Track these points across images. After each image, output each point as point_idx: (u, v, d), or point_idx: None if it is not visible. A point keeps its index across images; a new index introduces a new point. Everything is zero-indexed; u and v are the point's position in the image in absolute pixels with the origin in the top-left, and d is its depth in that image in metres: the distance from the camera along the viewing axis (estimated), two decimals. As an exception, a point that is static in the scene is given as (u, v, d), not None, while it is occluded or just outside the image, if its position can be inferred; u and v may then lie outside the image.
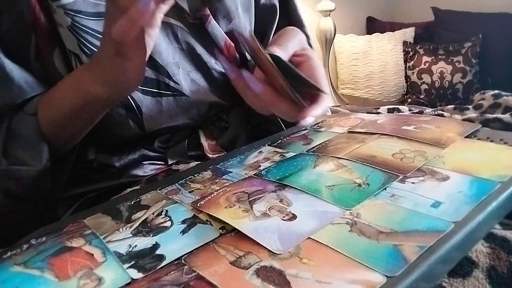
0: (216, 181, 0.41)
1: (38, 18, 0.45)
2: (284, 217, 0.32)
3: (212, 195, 0.37)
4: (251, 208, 0.34)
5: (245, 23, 0.58)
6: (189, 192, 0.39)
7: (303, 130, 0.53)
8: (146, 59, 0.40)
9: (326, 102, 0.41)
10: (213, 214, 0.34)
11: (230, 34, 0.55)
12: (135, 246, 0.32)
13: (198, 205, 0.36)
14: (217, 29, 0.53)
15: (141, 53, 0.39)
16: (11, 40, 0.45)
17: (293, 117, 0.39)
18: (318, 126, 0.53)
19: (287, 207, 0.33)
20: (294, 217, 0.32)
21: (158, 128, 0.53)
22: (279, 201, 0.34)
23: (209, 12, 0.52)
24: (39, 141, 0.45)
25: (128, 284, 0.28)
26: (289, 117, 0.39)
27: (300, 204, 0.34)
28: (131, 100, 0.49)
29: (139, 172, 0.53)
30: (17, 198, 0.45)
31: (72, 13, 0.45)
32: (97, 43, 0.46)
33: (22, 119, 0.45)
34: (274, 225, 0.31)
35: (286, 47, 0.44)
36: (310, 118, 0.39)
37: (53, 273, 0.29)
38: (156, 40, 0.49)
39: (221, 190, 0.38)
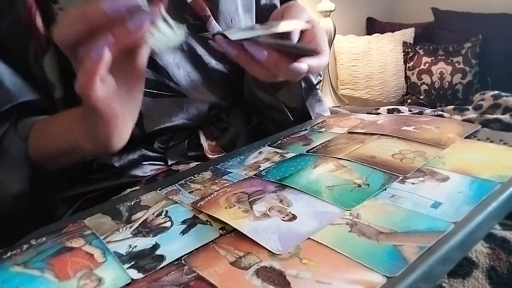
0: (216, 181, 0.41)
1: (34, 19, 0.45)
2: (284, 217, 0.32)
3: (212, 196, 0.37)
4: (251, 208, 0.34)
5: (247, 23, 0.58)
6: (189, 192, 0.39)
7: (303, 130, 0.53)
8: (114, 121, 0.36)
9: (325, 58, 0.43)
10: (213, 215, 0.34)
11: None
12: (135, 246, 0.32)
13: (198, 205, 0.36)
14: (217, 29, 0.53)
15: (105, 110, 0.34)
16: (11, 41, 0.45)
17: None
18: (318, 126, 0.53)
19: (287, 207, 0.33)
20: (294, 217, 0.32)
21: (158, 128, 0.53)
22: (279, 202, 0.34)
23: (209, 13, 0.52)
24: (22, 165, 0.44)
25: (128, 284, 0.28)
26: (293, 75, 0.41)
27: (300, 205, 0.34)
28: None
29: (139, 172, 0.53)
30: None
31: None
32: None
33: (13, 139, 0.45)
34: (274, 225, 0.31)
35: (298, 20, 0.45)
36: (303, 64, 0.40)
37: (53, 273, 0.29)
38: None
39: (221, 191, 0.38)
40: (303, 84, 0.60)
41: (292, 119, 0.59)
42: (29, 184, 0.45)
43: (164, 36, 0.35)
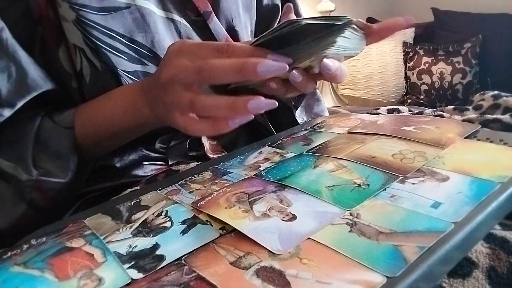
0: (216, 181, 0.41)
1: (46, 12, 0.45)
2: (284, 217, 0.32)
3: (212, 196, 0.37)
4: (251, 208, 0.34)
5: (246, 23, 0.58)
6: (189, 192, 0.39)
7: (303, 130, 0.53)
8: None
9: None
10: (213, 215, 0.34)
11: (231, 31, 0.55)
12: (135, 246, 0.32)
13: (198, 205, 0.36)
14: (218, 26, 0.53)
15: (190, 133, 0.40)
16: (16, 33, 0.45)
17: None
18: (318, 126, 0.53)
19: (287, 207, 0.33)
20: (294, 217, 0.32)
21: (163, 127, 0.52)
22: (279, 202, 0.34)
23: (211, 9, 0.52)
24: (70, 154, 0.45)
25: (128, 284, 0.28)
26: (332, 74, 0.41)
27: (300, 205, 0.34)
28: None
29: (139, 172, 0.53)
30: (40, 209, 0.45)
31: (77, 7, 0.44)
32: (102, 37, 0.46)
33: (54, 130, 0.45)
34: (274, 225, 0.31)
35: None
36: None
37: (53, 273, 0.29)
38: (160, 36, 0.49)
39: (221, 191, 0.38)
40: (292, 102, 0.60)
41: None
42: (77, 171, 0.45)
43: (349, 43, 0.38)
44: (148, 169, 0.53)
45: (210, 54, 0.38)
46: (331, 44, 0.37)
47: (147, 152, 0.54)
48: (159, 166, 0.54)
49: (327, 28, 0.38)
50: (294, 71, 0.39)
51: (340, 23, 0.38)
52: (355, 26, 0.39)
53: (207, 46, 0.38)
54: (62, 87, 0.48)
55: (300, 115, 0.62)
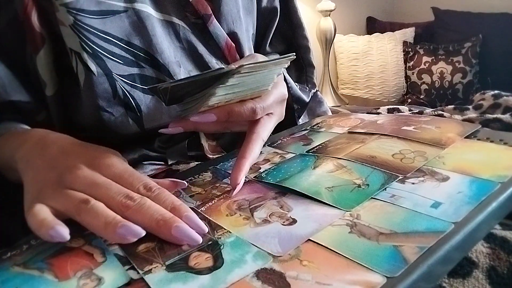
0: (217, 185, 0.41)
1: (29, 16, 0.44)
2: (284, 222, 0.32)
3: (213, 201, 0.37)
4: (252, 216, 0.34)
5: (248, 26, 0.58)
6: (190, 196, 0.39)
7: (303, 130, 0.53)
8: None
9: (271, 98, 0.45)
10: (214, 221, 0.34)
11: (232, 35, 0.55)
12: (135, 246, 0.32)
13: (199, 211, 0.36)
14: (218, 29, 0.53)
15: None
16: (8, 37, 0.45)
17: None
18: (318, 126, 0.53)
19: (287, 212, 0.33)
20: (294, 221, 0.32)
21: (158, 126, 0.52)
22: (280, 207, 0.34)
23: (211, 12, 0.52)
24: None
25: (128, 284, 0.28)
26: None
27: (300, 209, 0.34)
28: (130, 99, 0.49)
29: (139, 171, 0.53)
30: None
31: (75, 12, 0.44)
32: (99, 41, 0.46)
33: None
34: (275, 230, 0.31)
35: None
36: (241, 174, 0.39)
37: (53, 273, 0.29)
38: (158, 39, 0.49)
39: (222, 196, 0.38)
40: (295, 106, 0.60)
41: None
42: None
43: None
44: (148, 169, 0.53)
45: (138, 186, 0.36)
46: (212, 95, 0.38)
47: (147, 151, 0.54)
48: (158, 166, 0.54)
49: (211, 80, 0.38)
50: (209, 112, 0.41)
51: (212, 75, 0.37)
52: (243, 70, 0.37)
53: (137, 178, 0.37)
54: (40, 95, 0.48)
55: (302, 120, 0.62)
